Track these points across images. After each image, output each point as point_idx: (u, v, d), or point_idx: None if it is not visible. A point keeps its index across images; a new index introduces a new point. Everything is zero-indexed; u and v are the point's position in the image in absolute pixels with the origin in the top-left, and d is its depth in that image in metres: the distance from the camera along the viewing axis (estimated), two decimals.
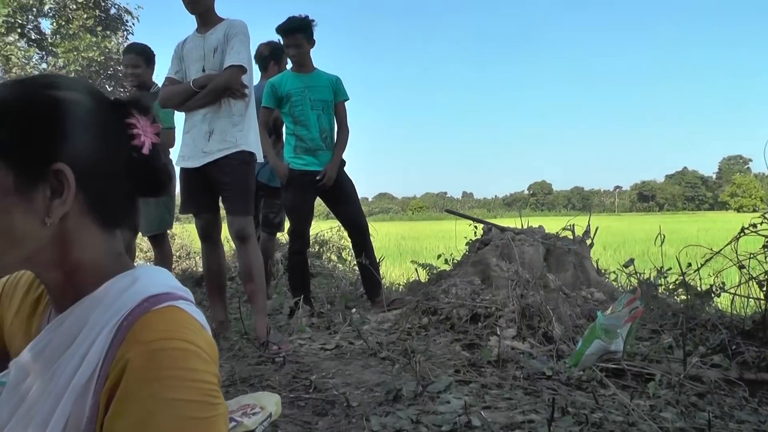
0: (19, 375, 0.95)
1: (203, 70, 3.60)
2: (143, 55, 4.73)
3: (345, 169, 4.84)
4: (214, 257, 3.87)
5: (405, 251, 11.66)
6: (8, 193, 0.84)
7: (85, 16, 18.73)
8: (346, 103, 4.80)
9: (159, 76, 4.75)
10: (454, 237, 5.77)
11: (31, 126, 0.85)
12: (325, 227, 7.96)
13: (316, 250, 7.06)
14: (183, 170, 3.69)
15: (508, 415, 2.34)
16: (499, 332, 3.49)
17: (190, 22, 3.73)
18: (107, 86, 19.70)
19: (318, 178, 4.57)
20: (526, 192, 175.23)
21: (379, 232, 7.45)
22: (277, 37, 4.82)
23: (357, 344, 3.59)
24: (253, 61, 4.07)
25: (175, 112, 4.28)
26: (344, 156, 4.82)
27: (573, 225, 4.98)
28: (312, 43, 4.60)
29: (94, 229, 0.92)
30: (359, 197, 4.96)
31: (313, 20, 4.58)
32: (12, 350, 1.08)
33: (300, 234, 4.76)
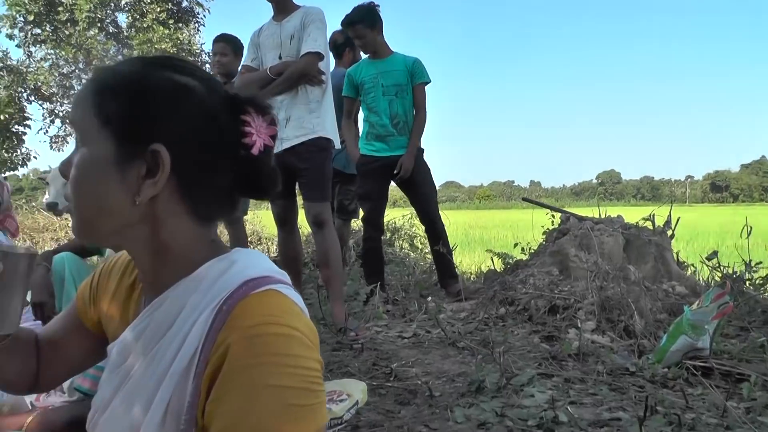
0: (121, 355, 0.98)
1: (280, 58, 3.62)
2: (231, 44, 4.82)
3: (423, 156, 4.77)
4: (290, 243, 3.90)
5: (473, 240, 11.52)
6: (106, 163, 0.86)
7: (158, 9, 19.30)
8: (427, 86, 4.66)
9: None
10: (522, 226, 5.70)
11: (140, 102, 0.86)
12: (397, 215, 7.96)
13: (388, 237, 7.07)
14: None
15: (594, 411, 2.29)
16: (579, 325, 3.43)
17: (260, 13, 3.77)
18: None
19: (395, 171, 4.55)
20: (595, 181, 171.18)
21: (448, 220, 7.43)
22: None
23: (434, 333, 3.57)
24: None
25: None
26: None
27: (653, 215, 4.82)
28: (377, 28, 4.54)
29: (185, 217, 0.92)
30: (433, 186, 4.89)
31: (374, 5, 4.53)
32: (109, 334, 1.10)
33: (371, 221, 4.76)
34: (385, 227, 7.00)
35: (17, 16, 19.10)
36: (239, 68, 4.89)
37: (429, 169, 4.82)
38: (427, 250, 7.05)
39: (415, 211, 5.16)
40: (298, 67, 3.50)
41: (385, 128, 4.60)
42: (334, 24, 4.41)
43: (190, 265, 0.91)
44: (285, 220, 3.86)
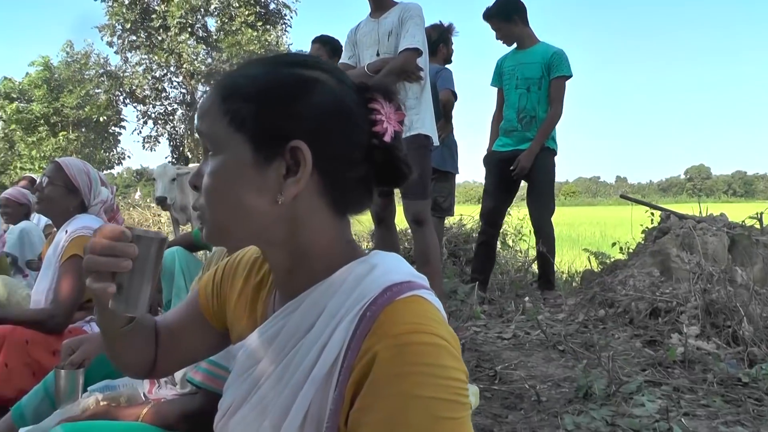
0: (250, 358, 0.97)
1: (377, 55, 3.59)
2: (328, 46, 4.89)
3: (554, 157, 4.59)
4: (388, 241, 3.85)
5: (561, 237, 11.22)
6: (244, 167, 0.85)
7: (246, 12, 19.85)
8: (565, 81, 4.45)
9: None
10: (610, 223, 5.53)
11: (272, 102, 0.85)
12: None
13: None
14: None
15: (709, 425, 2.21)
16: (683, 330, 3.34)
17: (345, 13, 3.81)
18: None
19: (512, 168, 4.47)
20: (683, 177, 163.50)
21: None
22: (447, 20, 4.82)
23: (534, 335, 3.54)
24: None
25: None
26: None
27: (760, 213, 4.62)
28: (513, 20, 4.48)
29: (326, 213, 0.90)
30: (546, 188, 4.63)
31: None
32: (234, 333, 1.10)
33: (485, 216, 4.71)
34: (477, 225, 6.96)
35: (116, 24, 20.08)
36: None
37: (550, 172, 4.63)
38: (518, 248, 6.99)
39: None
40: (396, 63, 3.45)
41: (510, 123, 4.55)
42: (430, 19, 4.39)
43: (328, 268, 0.90)
44: (383, 218, 3.82)
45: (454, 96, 5.04)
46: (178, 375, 1.77)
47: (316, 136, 0.85)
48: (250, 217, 0.87)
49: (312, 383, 0.84)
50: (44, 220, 5.32)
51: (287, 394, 0.86)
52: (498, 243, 7.52)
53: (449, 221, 6.54)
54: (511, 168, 4.46)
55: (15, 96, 22.29)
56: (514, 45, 4.66)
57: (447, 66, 5.19)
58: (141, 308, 0.95)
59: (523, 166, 4.40)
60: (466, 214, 7.28)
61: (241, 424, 0.94)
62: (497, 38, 4.67)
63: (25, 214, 5.08)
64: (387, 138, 0.90)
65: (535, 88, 4.47)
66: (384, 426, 0.75)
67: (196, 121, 0.93)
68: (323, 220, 0.90)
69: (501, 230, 5.48)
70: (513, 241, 7.21)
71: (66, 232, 2.87)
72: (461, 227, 7.06)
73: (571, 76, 4.46)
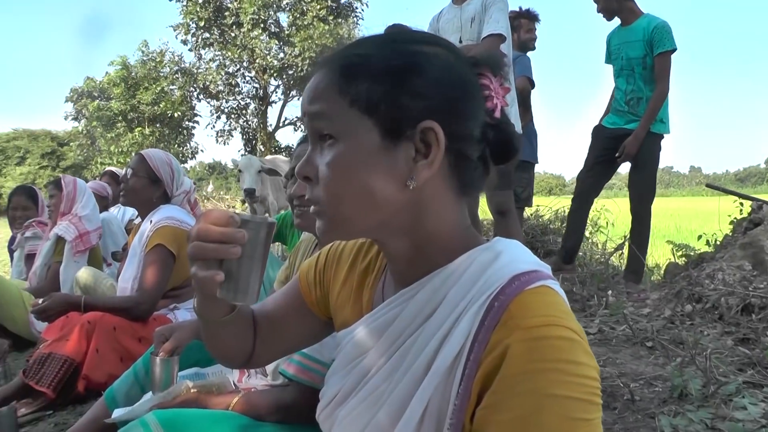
0: (356, 349, 0.94)
1: (460, 41, 3.53)
2: None
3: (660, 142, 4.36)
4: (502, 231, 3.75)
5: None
6: (371, 153, 0.81)
7: (318, 6, 19.98)
8: (670, 55, 4.17)
9: None
10: (684, 215, 5.27)
11: (402, 80, 0.81)
12: (567, 202, 7.71)
13: (557, 226, 6.87)
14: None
15: None
16: None
17: (419, 3, 3.72)
18: None
19: (617, 155, 4.34)
20: (763, 166, 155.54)
21: (619, 209, 7.08)
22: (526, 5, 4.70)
23: (619, 330, 3.40)
24: None
25: None
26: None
27: None
28: None
29: (450, 196, 0.87)
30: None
31: None
32: (337, 321, 1.08)
33: (578, 185, 4.62)
34: (555, 216, 6.80)
35: (190, 23, 20.62)
36: None
37: (655, 157, 4.40)
38: (596, 240, 6.78)
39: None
40: (479, 50, 3.39)
41: (619, 103, 4.41)
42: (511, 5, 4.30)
43: (448, 254, 0.86)
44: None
45: (531, 83, 4.92)
46: (270, 366, 1.77)
47: (444, 114, 0.82)
48: (378, 205, 0.83)
49: (433, 376, 0.80)
50: (128, 214, 5.50)
51: (404, 387, 0.83)
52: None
53: (527, 212, 6.40)
54: (617, 153, 4.32)
55: (96, 94, 23.21)
56: (618, 21, 4.48)
57: (528, 53, 5.06)
58: (251, 296, 0.92)
59: (628, 153, 4.26)
60: (544, 206, 7.12)
61: (350, 416, 0.91)
62: (598, 11, 4.48)
63: (105, 206, 5.24)
64: (497, 114, 0.87)
65: (640, 69, 4.28)
66: (515, 426, 0.71)
67: (306, 104, 0.87)
68: (447, 204, 0.87)
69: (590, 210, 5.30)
70: (591, 232, 7.02)
71: (150, 222, 2.94)
72: (539, 218, 6.91)
73: (675, 50, 4.18)
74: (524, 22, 5.05)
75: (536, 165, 5.40)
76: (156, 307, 2.87)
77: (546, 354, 0.72)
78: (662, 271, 5.07)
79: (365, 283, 1.03)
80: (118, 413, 1.84)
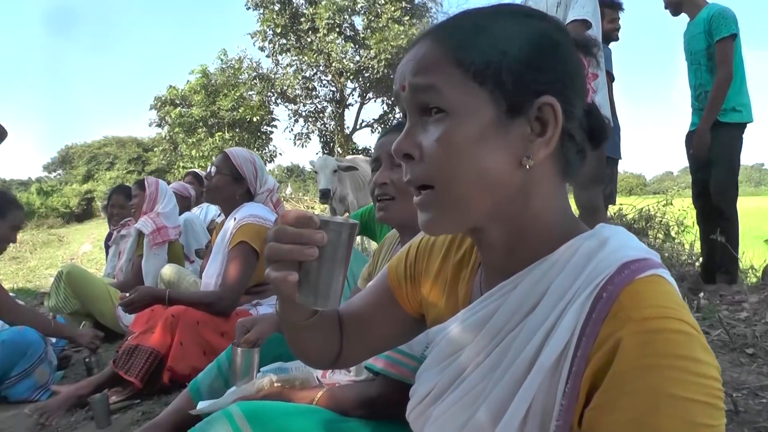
0: (451, 345, 0.89)
1: None
2: None
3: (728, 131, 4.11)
4: None
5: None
6: (487, 128, 0.76)
7: (392, 8, 20.14)
8: (731, 41, 3.95)
9: None
10: None
11: (524, 53, 0.77)
12: (651, 201, 7.44)
13: (641, 226, 6.62)
14: None
15: None
16: None
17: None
18: None
19: (691, 152, 4.19)
20: None
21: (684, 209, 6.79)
22: None
23: (714, 334, 3.20)
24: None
25: None
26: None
27: None
28: None
29: (554, 180, 0.82)
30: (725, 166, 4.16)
31: None
32: (430, 316, 1.03)
33: (693, 188, 4.44)
34: (639, 215, 6.54)
35: (267, 30, 21.12)
36: None
37: (729, 152, 4.17)
38: (678, 240, 6.50)
39: (668, 198, 4.70)
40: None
41: (692, 102, 4.26)
42: None
43: (551, 242, 0.81)
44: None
45: (611, 77, 4.72)
46: None
47: (561, 90, 0.78)
48: (493, 186, 0.78)
49: (537, 373, 0.74)
50: (210, 214, 5.64)
51: (505, 385, 0.77)
52: (660, 235, 7.06)
53: (610, 210, 6.20)
54: (691, 151, 4.17)
55: (178, 102, 24.09)
56: (686, 16, 4.30)
57: (611, 44, 4.86)
58: (333, 301, 0.87)
59: (697, 145, 4.08)
60: (627, 204, 6.89)
61: (446, 414, 0.86)
62: (665, 7, 4.33)
63: (187, 206, 5.39)
64: (589, 98, 0.84)
65: (705, 61, 4.10)
66: (629, 429, 0.65)
67: (408, 76, 0.82)
68: (552, 188, 0.82)
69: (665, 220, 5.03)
70: (676, 232, 6.74)
71: (234, 219, 2.98)
72: (622, 218, 6.68)
73: (735, 34, 3.94)
74: (607, 11, 4.83)
75: (618, 162, 5.20)
76: (238, 302, 2.90)
77: (662, 349, 0.65)
78: (759, 273, 4.78)
79: (460, 276, 0.98)
80: (202, 405, 1.85)
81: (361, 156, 10.25)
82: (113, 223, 4.94)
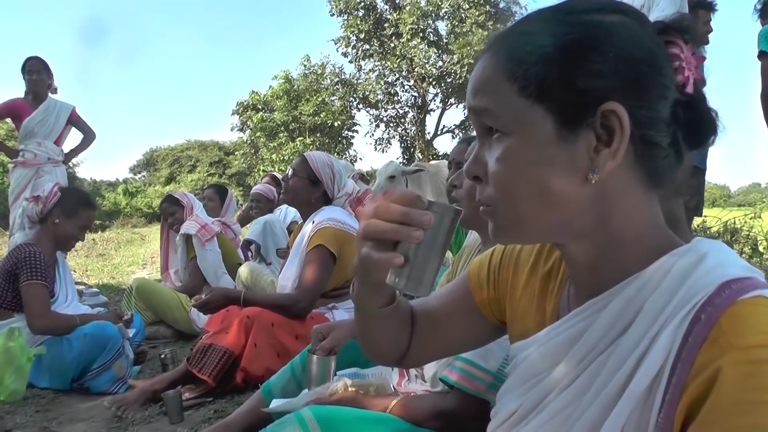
0: (537, 364, 0.84)
1: None
2: None
3: None
4: None
5: None
6: (545, 144, 0.72)
7: (476, 13, 20.05)
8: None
9: None
10: None
11: (577, 58, 0.71)
12: (738, 214, 7.02)
13: (726, 239, 6.24)
14: None
15: None
16: None
17: None
18: None
19: None
20: None
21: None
22: None
23: None
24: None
25: None
26: None
27: None
28: None
29: (637, 190, 0.75)
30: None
31: None
32: (515, 329, 0.97)
33: None
34: (724, 228, 6.20)
35: (351, 36, 21.40)
36: None
37: None
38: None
39: (757, 211, 4.35)
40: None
41: None
42: None
43: (641, 258, 0.75)
44: None
45: (703, 82, 4.43)
46: (429, 372, 1.69)
47: (627, 94, 0.71)
48: (557, 204, 0.74)
49: (628, 399, 0.69)
50: (290, 216, 5.68)
51: (594, 411, 0.72)
52: (748, 249, 6.65)
53: (695, 222, 5.87)
54: None
55: (260, 107, 24.66)
56: None
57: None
58: (425, 287, 0.83)
59: None
60: (711, 216, 6.53)
61: None
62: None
63: (270, 208, 5.46)
64: (689, 89, 0.75)
65: None
66: None
67: (469, 98, 0.79)
68: (635, 199, 0.76)
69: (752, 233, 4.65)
70: (765, 247, 6.32)
71: (312, 222, 2.97)
72: (706, 230, 6.34)
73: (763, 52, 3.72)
74: (701, 13, 4.55)
75: (705, 172, 4.88)
76: (314, 305, 2.86)
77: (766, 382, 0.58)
78: None
79: (548, 289, 0.92)
80: (275, 404, 1.84)
81: (445, 161, 10.10)
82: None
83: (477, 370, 1.37)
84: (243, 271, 3.97)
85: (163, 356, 3.27)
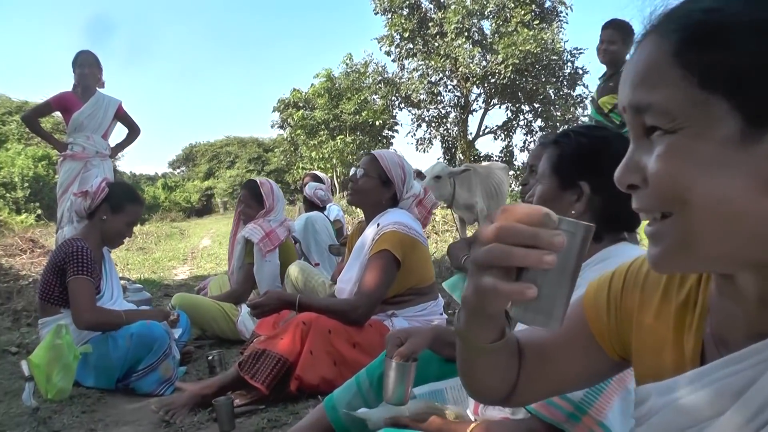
0: (686, 416, 0.69)
1: None
2: (621, 32, 4.34)
3: None
4: None
5: None
6: (723, 147, 0.60)
7: (522, 12, 19.79)
8: None
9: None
10: None
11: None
12: None
13: None
14: None
15: None
16: None
17: (625, 4, 3.20)
18: (542, 76, 20.52)
19: None
20: None
21: None
22: None
23: None
24: None
25: None
26: None
27: None
28: None
29: None
30: None
31: None
32: (642, 366, 0.84)
33: None
34: None
35: (395, 34, 21.32)
36: (626, 56, 4.37)
37: None
38: None
39: None
40: None
41: None
42: None
43: None
44: None
45: None
46: None
47: None
48: (737, 219, 0.61)
49: None
50: (333, 213, 5.56)
51: None
52: None
53: None
54: None
55: (301, 105, 24.75)
56: None
57: None
58: (557, 320, 0.71)
59: None
60: None
61: None
62: None
63: (313, 204, 5.36)
64: None
65: None
66: None
67: (628, 92, 0.67)
68: None
69: None
70: None
71: (378, 225, 2.85)
72: None
73: None
74: None
75: None
76: (373, 312, 2.72)
77: None
78: None
79: (685, 322, 0.78)
80: (361, 413, 1.78)
81: (497, 163, 9.93)
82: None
83: (557, 397, 1.26)
84: (293, 270, 3.83)
85: (210, 358, 3.16)
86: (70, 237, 3.21)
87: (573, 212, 1.42)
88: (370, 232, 2.86)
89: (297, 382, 2.54)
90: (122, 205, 3.17)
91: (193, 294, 4.45)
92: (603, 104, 4.31)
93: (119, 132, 5.55)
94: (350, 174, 3.06)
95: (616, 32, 4.35)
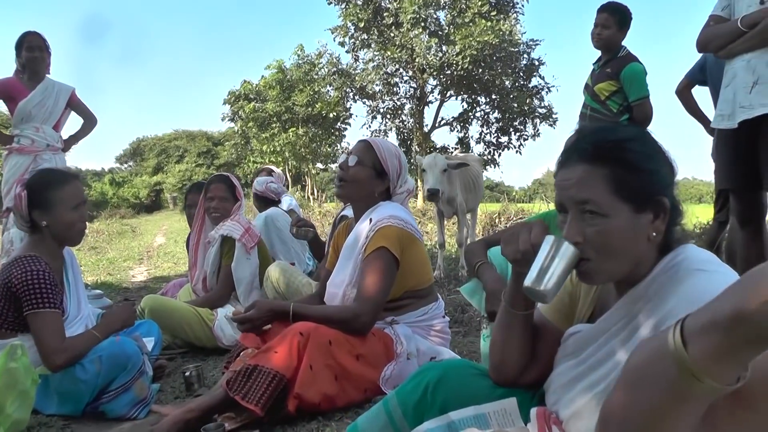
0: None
1: (762, 3, 2.71)
2: (617, 16, 4.13)
3: None
4: (754, 249, 2.94)
5: None
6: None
7: (479, 3, 19.65)
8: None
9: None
10: None
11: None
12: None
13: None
14: (718, 132, 2.95)
15: None
16: None
17: None
18: (499, 68, 20.48)
19: None
20: None
21: None
22: None
23: None
24: None
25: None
26: None
27: None
28: None
29: None
30: None
31: None
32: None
33: None
34: None
35: (349, 24, 20.97)
36: (622, 42, 4.19)
37: None
38: None
39: None
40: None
41: None
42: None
43: None
44: (749, 219, 2.95)
45: None
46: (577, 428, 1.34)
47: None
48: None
49: None
50: (285, 203, 5.26)
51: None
52: None
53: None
54: None
55: (252, 97, 24.25)
56: None
57: None
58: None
59: None
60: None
61: None
62: None
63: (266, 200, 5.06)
64: None
65: None
66: None
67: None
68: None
69: None
70: None
71: (370, 220, 2.54)
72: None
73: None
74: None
75: None
76: (377, 319, 2.46)
77: None
78: None
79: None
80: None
81: (473, 155, 9.69)
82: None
83: None
84: (273, 272, 3.49)
85: (187, 374, 2.79)
86: (21, 255, 2.59)
87: (654, 234, 1.18)
88: (363, 228, 2.58)
89: (296, 401, 2.22)
90: (52, 197, 2.58)
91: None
92: (599, 91, 4.11)
93: (73, 123, 5.04)
94: (339, 162, 2.72)
95: (610, 16, 4.13)
